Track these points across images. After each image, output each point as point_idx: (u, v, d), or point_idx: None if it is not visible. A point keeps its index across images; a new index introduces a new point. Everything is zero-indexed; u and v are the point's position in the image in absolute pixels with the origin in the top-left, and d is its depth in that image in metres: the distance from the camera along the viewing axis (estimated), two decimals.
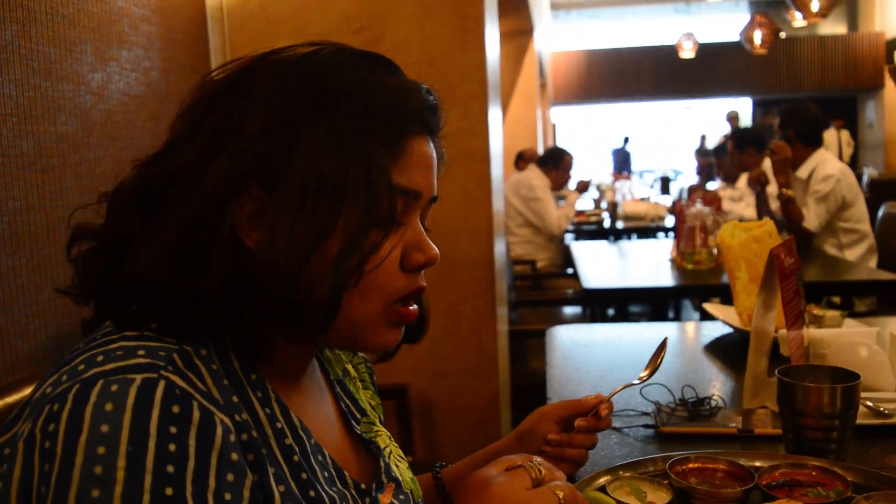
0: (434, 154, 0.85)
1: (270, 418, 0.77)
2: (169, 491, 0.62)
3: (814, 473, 1.05)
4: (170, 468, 0.63)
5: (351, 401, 1.00)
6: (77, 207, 0.85)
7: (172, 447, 0.63)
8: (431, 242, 0.84)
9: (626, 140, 15.74)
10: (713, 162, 7.57)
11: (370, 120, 0.77)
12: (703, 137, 11.36)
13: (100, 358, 0.68)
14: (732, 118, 7.76)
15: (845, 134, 12.62)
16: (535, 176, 5.53)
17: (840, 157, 11.73)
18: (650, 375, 1.14)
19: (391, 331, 0.83)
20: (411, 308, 0.83)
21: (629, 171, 13.25)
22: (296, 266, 0.73)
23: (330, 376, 0.99)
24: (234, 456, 0.67)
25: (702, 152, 8.17)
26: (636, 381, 1.14)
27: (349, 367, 1.06)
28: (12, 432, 0.67)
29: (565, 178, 5.84)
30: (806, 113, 4.10)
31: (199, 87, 0.82)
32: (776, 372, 1.19)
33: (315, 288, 0.74)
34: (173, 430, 0.64)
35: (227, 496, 0.65)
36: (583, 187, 6.19)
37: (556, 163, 5.69)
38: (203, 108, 0.79)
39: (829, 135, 12.04)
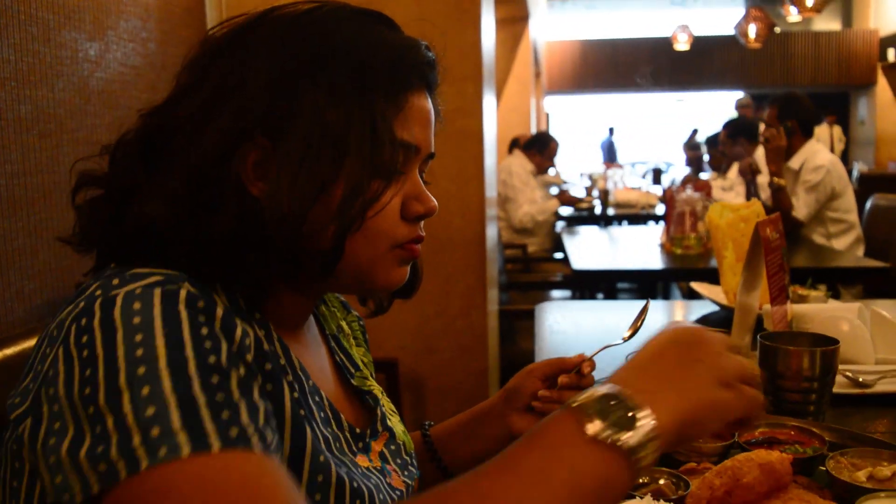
0: (431, 109, 0.87)
1: (273, 354, 0.80)
2: (212, 359, 0.65)
3: (792, 432, 1.08)
4: (207, 344, 0.66)
5: (345, 356, 1.03)
6: (78, 159, 0.86)
7: (205, 331, 0.66)
8: (430, 194, 0.87)
9: (612, 131, 15.74)
10: (702, 155, 7.58)
11: (372, 74, 0.79)
12: (695, 131, 11.36)
13: (115, 281, 0.70)
14: (743, 106, 7.61)
15: (837, 130, 12.66)
16: (517, 162, 5.56)
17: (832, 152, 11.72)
18: (632, 335, 1.16)
19: (398, 269, 0.87)
20: (416, 246, 0.87)
21: (615, 162, 13.28)
22: (299, 213, 0.75)
23: (325, 331, 1.02)
24: (249, 357, 0.69)
25: (691, 145, 8.16)
26: (619, 342, 1.17)
27: (343, 323, 1.08)
28: (33, 374, 0.70)
29: (548, 165, 5.89)
30: (805, 103, 4.13)
31: (200, 44, 0.84)
32: (758, 336, 1.22)
33: (318, 234, 0.77)
34: (202, 318, 0.67)
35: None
36: (566, 200, 6.18)
37: (541, 148, 5.72)
38: (206, 62, 0.81)
39: (822, 130, 12.03)
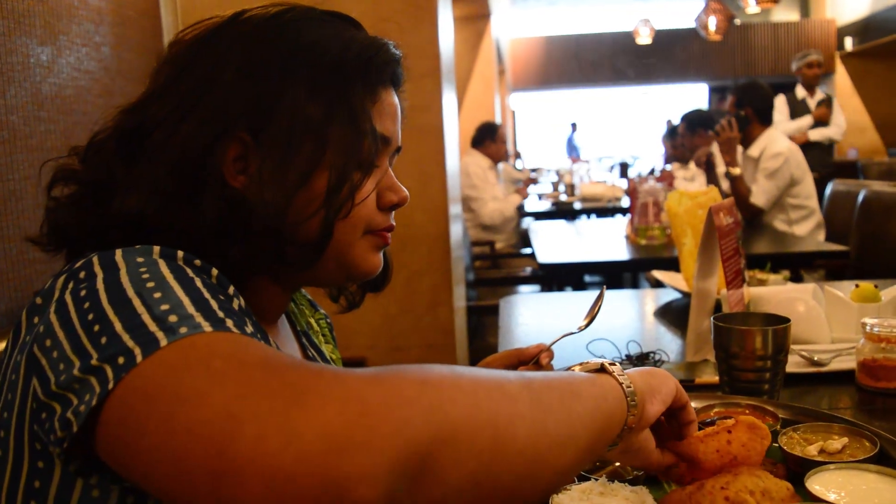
0: (398, 105, 0.92)
1: (259, 329, 0.82)
2: (217, 287, 0.68)
3: (746, 411, 1.10)
4: (209, 283, 0.69)
5: (316, 352, 1.06)
6: (46, 160, 0.87)
7: (205, 278, 0.69)
8: (401, 185, 0.92)
9: (574, 127, 15.76)
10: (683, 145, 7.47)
11: (349, 68, 0.83)
12: (669, 122, 11.37)
13: (102, 252, 0.70)
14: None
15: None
16: (472, 161, 5.54)
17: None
18: (588, 324, 1.18)
19: (375, 255, 0.91)
20: (388, 234, 0.92)
21: (578, 157, 13.33)
22: (283, 204, 0.79)
23: (297, 328, 1.05)
24: (235, 308, 0.71)
25: (670, 137, 8.03)
26: (575, 331, 1.18)
27: (312, 321, 1.10)
28: (21, 339, 0.69)
29: (504, 150, 5.91)
30: (762, 90, 4.18)
31: (171, 45, 0.87)
32: (711, 319, 1.24)
33: (302, 223, 0.80)
34: (201, 273, 0.70)
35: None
36: (525, 195, 6.19)
37: (492, 136, 5.70)
38: (182, 61, 0.83)
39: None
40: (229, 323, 0.62)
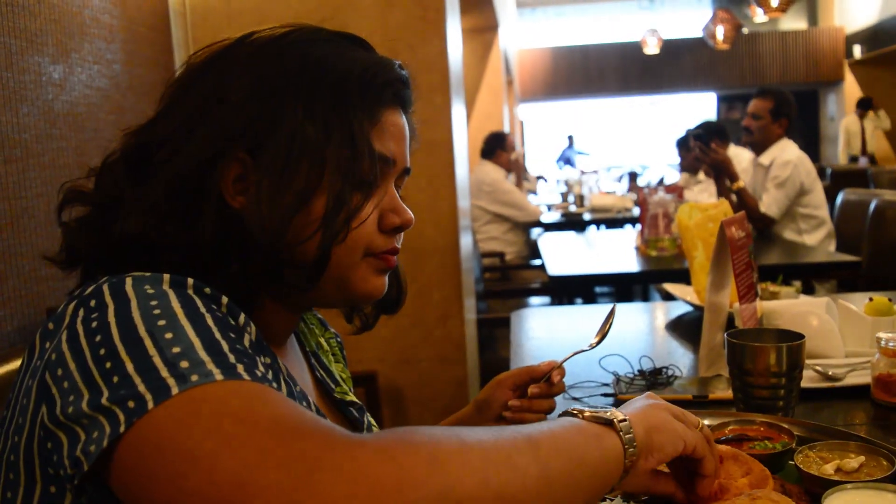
0: (406, 126, 0.91)
1: (268, 353, 0.82)
2: (228, 321, 0.69)
3: (761, 429, 1.09)
4: (218, 314, 0.69)
5: (326, 372, 1.05)
6: (66, 182, 0.88)
7: (214, 307, 0.69)
8: (406, 207, 0.90)
9: (571, 140, 15.60)
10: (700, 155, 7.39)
11: (348, 89, 0.83)
12: (689, 132, 11.26)
13: (114, 280, 0.71)
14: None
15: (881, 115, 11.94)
16: (490, 170, 5.54)
17: (865, 144, 11.48)
18: (600, 341, 1.17)
19: (376, 278, 0.89)
20: (391, 257, 0.89)
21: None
22: (280, 225, 0.78)
23: (306, 348, 1.05)
24: (246, 343, 0.71)
25: (686, 146, 7.90)
26: (586, 348, 1.17)
27: (321, 340, 1.10)
28: (33, 364, 0.69)
29: (516, 155, 5.91)
30: (793, 102, 4.16)
31: (182, 67, 0.88)
32: (725, 335, 1.23)
33: (300, 245, 0.80)
34: (210, 302, 0.70)
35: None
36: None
37: (502, 145, 5.70)
38: (188, 82, 0.84)
39: (851, 121, 11.62)
40: (240, 368, 0.62)
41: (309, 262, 0.80)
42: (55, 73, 1.95)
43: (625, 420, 0.76)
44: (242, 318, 0.72)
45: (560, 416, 0.78)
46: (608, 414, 0.76)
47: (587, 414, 0.76)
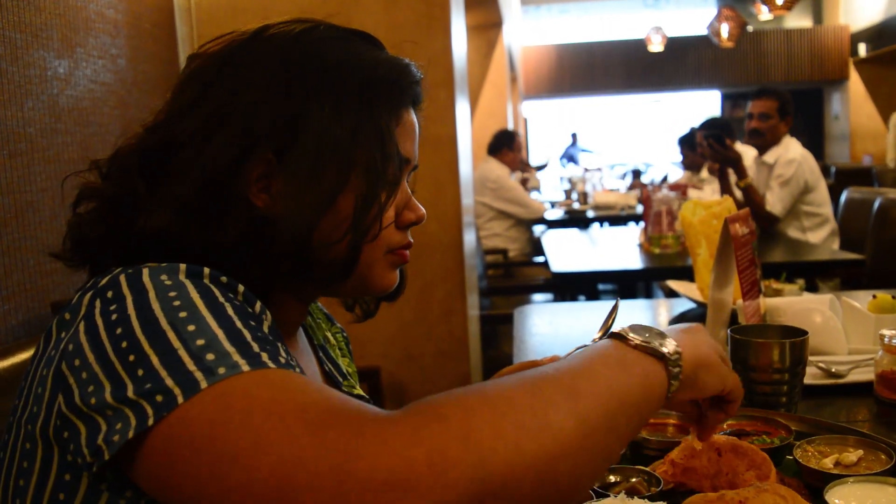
0: (416, 123, 0.92)
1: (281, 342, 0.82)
2: (246, 309, 0.69)
3: (759, 423, 1.09)
4: (237, 302, 0.69)
5: (333, 365, 1.06)
6: (68, 174, 0.88)
7: (231, 295, 0.70)
8: (419, 203, 0.92)
9: (574, 137, 15.55)
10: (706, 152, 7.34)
11: (376, 90, 0.84)
12: (693, 129, 11.20)
13: (129, 270, 0.71)
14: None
15: None
16: (495, 167, 5.54)
17: None
18: (603, 336, 1.17)
19: (391, 273, 0.91)
20: (406, 252, 0.92)
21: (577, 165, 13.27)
22: (308, 225, 0.79)
23: (314, 341, 1.06)
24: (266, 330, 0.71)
25: (690, 144, 7.82)
26: (589, 343, 1.17)
27: (328, 334, 1.11)
28: (48, 353, 0.70)
29: (520, 158, 5.91)
30: (790, 97, 4.16)
31: (192, 59, 0.87)
32: (728, 331, 1.24)
33: (329, 245, 0.80)
34: (227, 291, 0.70)
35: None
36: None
37: (510, 144, 5.69)
38: (207, 78, 0.83)
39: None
40: (265, 357, 0.62)
41: (339, 260, 0.81)
42: (60, 68, 1.95)
43: (677, 353, 0.74)
44: (258, 305, 0.73)
45: (609, 336, 0.76)
46: (660, 345, 0.74)
47: (637, 342, 0.73)
